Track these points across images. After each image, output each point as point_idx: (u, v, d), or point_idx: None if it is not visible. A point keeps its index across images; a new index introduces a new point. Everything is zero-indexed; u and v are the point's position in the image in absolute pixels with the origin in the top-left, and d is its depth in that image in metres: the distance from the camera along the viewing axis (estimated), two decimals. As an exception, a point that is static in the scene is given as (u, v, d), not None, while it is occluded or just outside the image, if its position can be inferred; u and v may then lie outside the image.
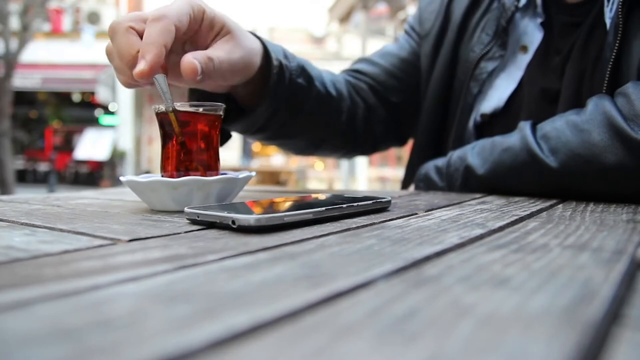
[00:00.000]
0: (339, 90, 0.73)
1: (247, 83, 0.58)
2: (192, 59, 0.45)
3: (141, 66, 0.41)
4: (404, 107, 0.82)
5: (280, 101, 0.61)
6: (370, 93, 0.80)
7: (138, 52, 0.43)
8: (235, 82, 0.56)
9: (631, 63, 0.55)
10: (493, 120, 0.70)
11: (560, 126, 0.53)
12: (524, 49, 0.69)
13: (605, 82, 0.56)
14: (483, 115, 0.71)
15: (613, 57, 0.55)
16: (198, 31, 0.48)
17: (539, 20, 0.68)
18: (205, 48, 0.49)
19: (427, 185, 0.68)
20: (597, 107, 0.51)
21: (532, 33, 0.69)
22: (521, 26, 0.70)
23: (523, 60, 0.69)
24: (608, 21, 0.58)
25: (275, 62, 0.58)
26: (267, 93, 0.59)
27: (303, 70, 0.64)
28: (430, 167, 0.69)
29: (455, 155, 0.65)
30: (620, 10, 0.55)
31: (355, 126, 0.77)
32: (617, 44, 0.55)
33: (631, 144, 0.48)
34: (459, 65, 0.76)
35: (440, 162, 0.67)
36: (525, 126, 0.57)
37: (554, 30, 0.67)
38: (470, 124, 0.71)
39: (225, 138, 0.64)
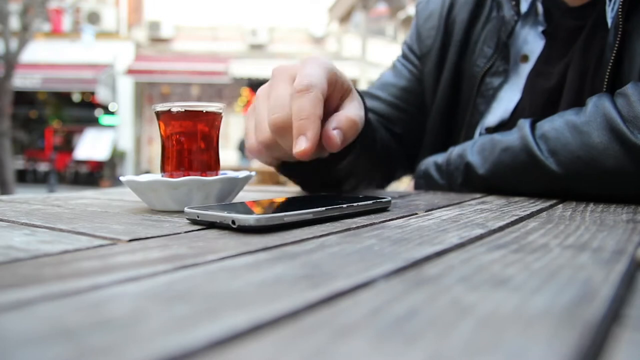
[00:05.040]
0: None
1: None
2: (333, 132, 0.44)
3: (303, 145, 0.40)
4: (408, 138, 0.81)
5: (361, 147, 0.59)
6: (379, 126, 0.78)
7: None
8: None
9: (633, 63, 0.54)
10: (497, 130, 0.69)
11: (559, 126, 0.53)
12: (525, 58, 0.69)
13: (605, 82, 0.56)
14: (488, 129, 0.70)
15: (613, 57, 0.55)
16: (331, 93, 0.46)
17: (540, 28, 0.68)
18: (335, 108, 0.48)
19: (427, 182, 0.68)
20: (597, 107, 0.51)
21: (533, 42, 0.68)
22: (522, 36, 0.69)
23: (524, 69, 0.69)
24: (609, 21, 0.58)
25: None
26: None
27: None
28: (430, 164, 0.69)
29: (455, 152, 0.64)
30: (620, 10, 0.54)
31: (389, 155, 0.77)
32: (617, 44, 0.55)
33: (630, 148, 0.48)
34: (463, 79, 0.75)
35: (440, 158, 0.67)
36: (524, 125, 0.56)
37: (558, 35, 0.67)
38: (476, 137, 0.71)
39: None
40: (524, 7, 0.68)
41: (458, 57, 0.75)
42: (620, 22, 0.55)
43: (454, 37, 0.76)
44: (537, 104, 0.66)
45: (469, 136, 0.72)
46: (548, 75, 0.66)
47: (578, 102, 0.60)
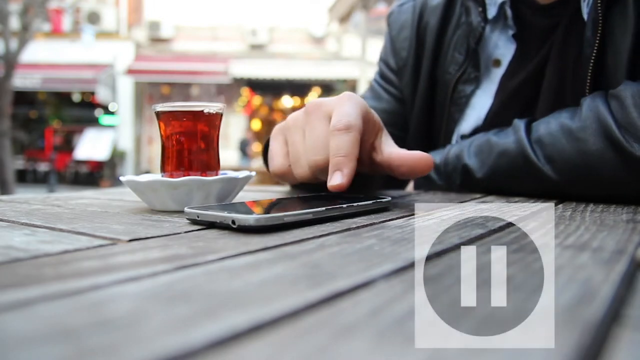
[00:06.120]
0: None
1: None
2: (427, 155, 0.45)
3: (338, 180, 0.41)
4: None
5: None
6: None
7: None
8: None
9: (617, 59, 0.53)
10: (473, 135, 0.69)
11: (555, 131, 0.53)
12: (497, 62, 0.68)
13: (588, 79, 0.55)
14: (463, 136, 0.70)
15: (594, 53, 0.54)
16: (365, 130, 0.47)
17: (511, 32, 0.67)
18: (370, 145, 0.49)
19: (425, 181, 0.68)
20: (592, 111, 0.50)
21: (504, 46, 0.68)
22: (492, 40, 0.69)
23: (497, 74, 0.68)
24: (585, 16, 0.57)
25: None
26: None
27: None
28: None
29: (452, 153, 0.64)
30: (599, 4, 0.54)
31: None
32: (597, 40, 0.54)
33: (625, 157, 0.48)
34: (438, 87, 0.74)
35: (438, 158, 0.67)
36: (520, 126, 0.56)
37: (531, 36, 0.66)
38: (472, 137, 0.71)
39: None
40: (492, 12, 0.67)
41: (432, 64, 0.74)
42: (600, 17, 0.54)
43: (426, 45, 0.75)
44: (512, 106, 0.65)
45: (447, 144, 0.71)
46: (522, 77, 0.65)
47: (558, 100, 0.60)
